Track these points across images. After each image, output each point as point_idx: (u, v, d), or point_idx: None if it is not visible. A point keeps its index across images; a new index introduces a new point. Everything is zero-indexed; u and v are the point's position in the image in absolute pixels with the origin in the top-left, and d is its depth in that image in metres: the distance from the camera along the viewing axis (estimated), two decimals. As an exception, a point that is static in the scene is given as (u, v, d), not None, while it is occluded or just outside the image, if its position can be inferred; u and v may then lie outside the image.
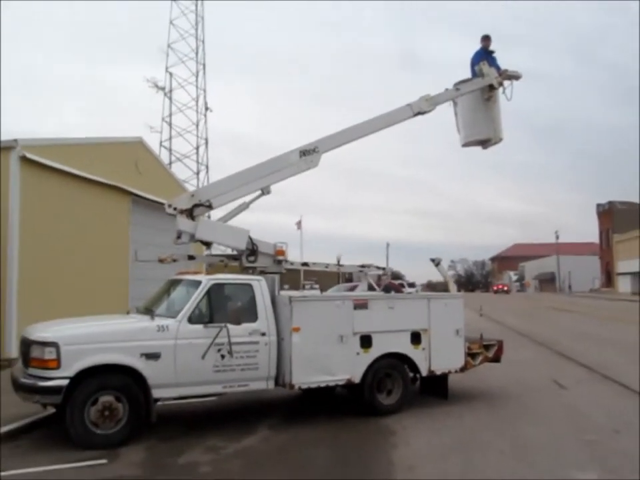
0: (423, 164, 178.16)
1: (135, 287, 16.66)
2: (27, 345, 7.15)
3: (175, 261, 8.85)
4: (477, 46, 10.86)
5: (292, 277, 30.64)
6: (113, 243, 16.08)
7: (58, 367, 6.74)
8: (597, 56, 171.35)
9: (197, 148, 50.90)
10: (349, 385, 8.40)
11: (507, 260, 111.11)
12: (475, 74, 10.55)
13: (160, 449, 6.98)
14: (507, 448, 6.94)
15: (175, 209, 8.37)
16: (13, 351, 11.50)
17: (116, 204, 16.36)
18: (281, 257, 8.95)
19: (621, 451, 6.76)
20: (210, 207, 8.61)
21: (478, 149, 11.08)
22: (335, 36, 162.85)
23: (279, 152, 9.18)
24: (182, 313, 7.52)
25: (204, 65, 51.62)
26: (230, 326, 7.56)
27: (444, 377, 9.32)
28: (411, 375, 9.02)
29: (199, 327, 7.50)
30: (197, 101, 50.84)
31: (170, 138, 49.70)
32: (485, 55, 10.69)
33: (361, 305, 8.52)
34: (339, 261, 10.32)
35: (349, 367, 8.28)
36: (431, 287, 55.55)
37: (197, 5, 51.06)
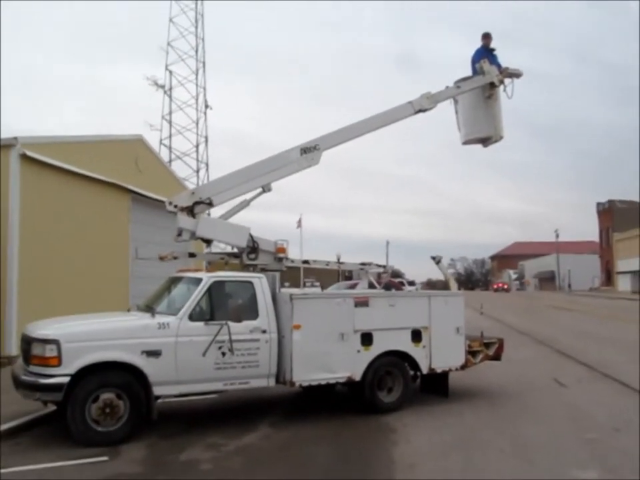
0: (423, 163, 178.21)
1: (135, 284, 16.64)
2: (28, 342, 7.15)
3: (175, 258, 8.84)
4: (477, 45, 10.86)
5: (292, 274, 30.64)
6: (113, 240, 16.06)
7: (59, 365, 6.74)
8: (597, 55, 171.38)
9: (197, 146, 50.96)
10: (350, 383, 8.40)
11: (507, 258, 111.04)
12: (475, 72, 10.54)
13: (161, 446, 6.98)
14: (507, 446, 6.94)
15: (175, 206, 8.37)
16: (13, 348, 11.51)
17: (116, 202, 16.34)
18: (281, 255, 8.95)
19: (621, 450, 6.76)
20: (211, 204, 8.60)
21: (478, 146, 11.09)
22: (335, 36, 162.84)
23: (279, 151, 9.18)
24: (183, 310, 7.52)
25: (204, 63, 51.71)
26: (231, 323, 7.56)
27: (444, 375, 9.33)
28: (412, 372, 9.03)
29: (200, 324, 7.50)
30: (197, 99, 50.92)
31: (170, 136, 49.78)
32: (485, 52, 10.68)
33: (361, 303, 8.51)
34: (339, 259, 10.32)
35: (350, 365, 8.28)
36: (430, 285, 55.62)
37: (196, 3, 51.10)
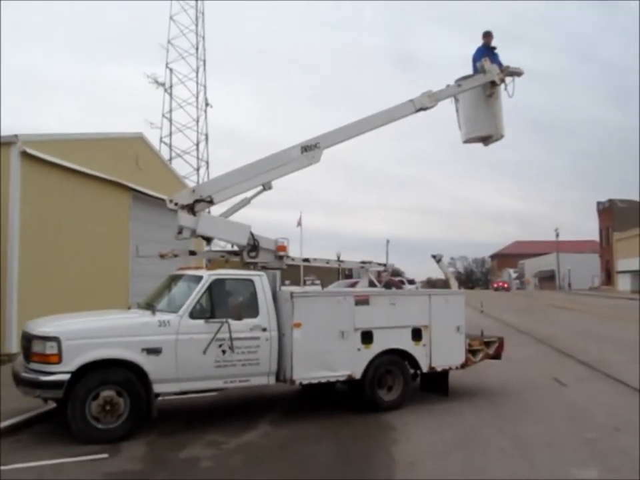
0: (424, 161, 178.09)
1: (136, 282, 16.65)
2: (28, 339, 7.15)
3: (175, 256, 8.84)
4: (477, 45, 10.84)
5: (293, 273, 30.67)
6: (114, 238, 16.07)
7: (59, 362, 6.75)
8: (597, 55, 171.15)
9: (197, 144, 50.83)
10: (350, 381, 8.40)
11: (507, 257, 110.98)
12: (476, 70, 10.53)
13: (161, 443, 6.98)
14: (508, 445, 6.94)
15: (176, 204, 8.36)
16: (14, 346, 11.51)
17: (116, 200, 16.34)
18: (282, 253, 8.94)
19: (621, 449, 6.75)
20: (211, 202, 8.60)
21: (479, 145, 11.08)
22: (335, 36, 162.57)
23: (279, 149, 9.16)
24: (183, 308, 7.52)
25: (204, 61, 51.55)
26: (231, 321, 7.57)
27: (444, 374, 9.33)
28: (412, 371, 9.03)
29: (200, 322, 7.51)
30: (197, 97, 50.78)
31: (170, 134, 49.65)
32: (486, 51, 10.66)
33: (362, 301, 8.51)
34: (339, 257, 10.33)
35: (350, 363, 8.28)
36: (430, 283, 55.61)
37: (197, 2, 51.00)
